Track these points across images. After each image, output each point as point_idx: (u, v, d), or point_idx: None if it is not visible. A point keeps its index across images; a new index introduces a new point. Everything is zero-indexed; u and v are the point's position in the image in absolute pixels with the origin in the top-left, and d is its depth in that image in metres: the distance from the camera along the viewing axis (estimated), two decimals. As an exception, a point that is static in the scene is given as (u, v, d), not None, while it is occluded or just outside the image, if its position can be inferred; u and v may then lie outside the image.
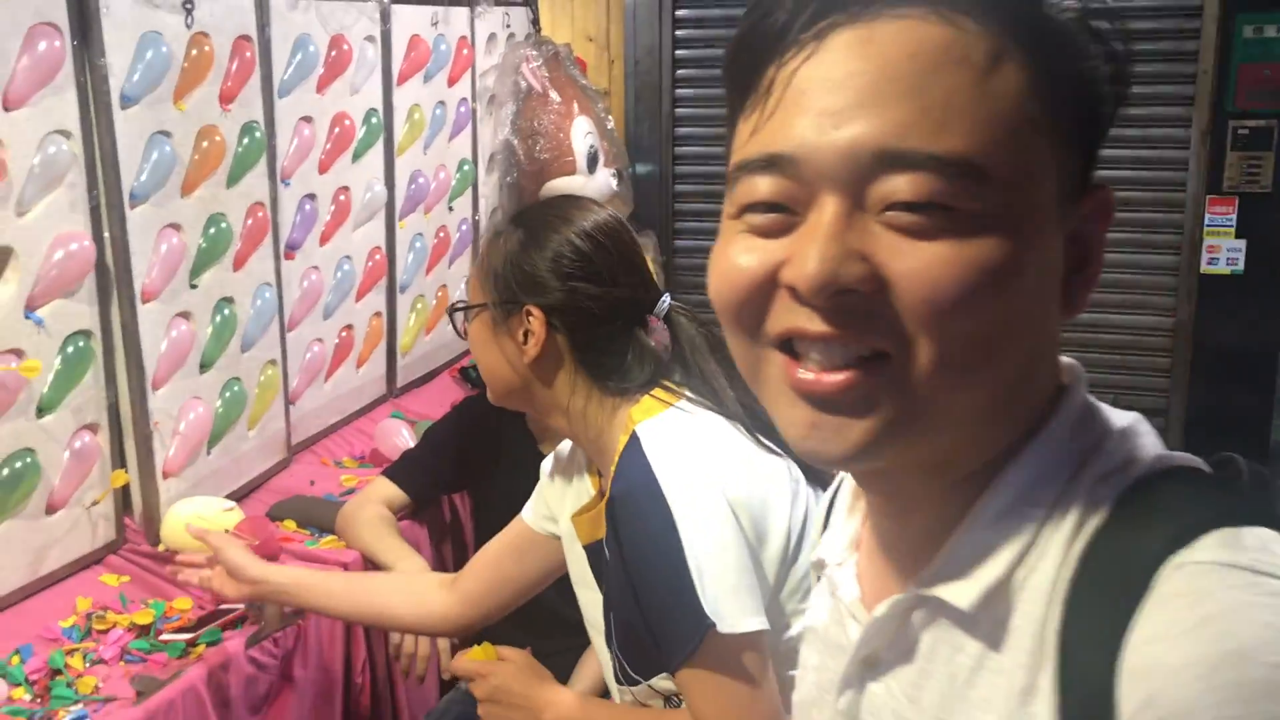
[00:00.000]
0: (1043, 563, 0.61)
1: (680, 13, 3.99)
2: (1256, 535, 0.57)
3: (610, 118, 3.64)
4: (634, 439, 1.36)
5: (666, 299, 1.46)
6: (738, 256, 0.63)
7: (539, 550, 1.62)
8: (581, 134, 3.38)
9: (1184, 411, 3.91)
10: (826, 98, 0.59)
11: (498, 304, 1.46)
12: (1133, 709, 0.54)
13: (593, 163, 3.42)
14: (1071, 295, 0.64)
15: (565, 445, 1.61)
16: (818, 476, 1.40)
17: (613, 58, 4.05)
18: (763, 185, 0.61)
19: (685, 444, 1.35)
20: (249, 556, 1.70)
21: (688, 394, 1.43)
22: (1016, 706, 0.60)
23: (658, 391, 1.42)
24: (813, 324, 0.60)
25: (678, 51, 4.01)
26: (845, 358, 0.60)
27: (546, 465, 1.64)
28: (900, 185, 0.58)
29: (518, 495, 1.96)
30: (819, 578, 0.80)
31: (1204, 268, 3.79)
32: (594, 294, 1.42)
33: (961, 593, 0.63)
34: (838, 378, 0.60)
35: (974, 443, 0.64)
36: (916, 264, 0.57)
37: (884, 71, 0.58)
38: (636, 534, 1.32)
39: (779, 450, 1.38)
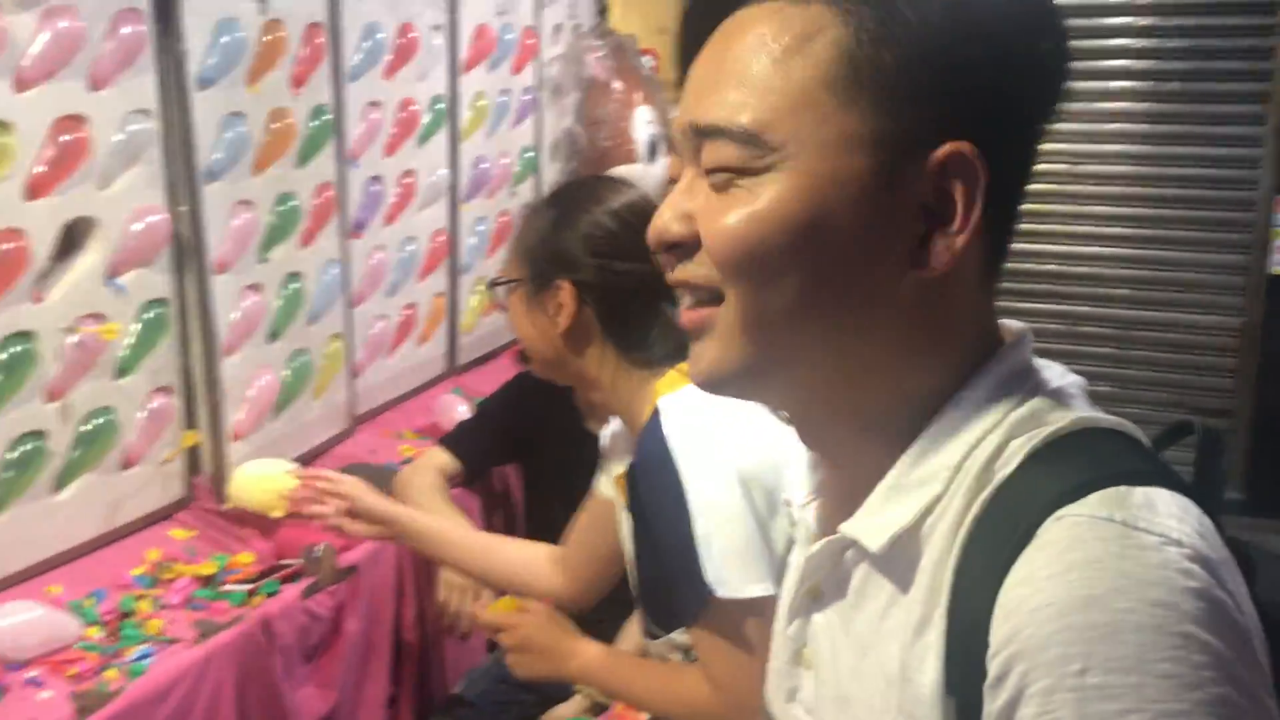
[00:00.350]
0: (950, 510, 0.67)
1: (749, 6, 4.03)
2: (1146, 494, 0.61)
3: (675, 107, 3.71)
4: (656, 412, 1.43)
5: None
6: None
7: (614, 517, 1.68)
8: (643, 123, 3.45)
9: (1250, 413, 3.86)
10: (689, 89, 0.72)
11: (531, 279, 1.54)
12: (998, 643, 0.60)
13: (653, 151, 3.49)
14: (930, 253, 0.67)
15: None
16: None
17: (683, 50, 4.10)
18: (672, 164, 0.73)
19: (702, 419, 1.41)
20: (377, 497, 1.82)
21: None
22: (913, 637, 0.67)
23: (683, 365, 1.49)
24: (668, 273, 0.74)
25: (745, 43, 4.05)
26: (693, 299, 0.72)
27: (605, 436, 1.71)
28: (708, 153, 0.69)
29: (565, 469, 2.04)
30: (791, 519, 0.87)
31: (1273, 268, 3.73)
32: (622, 270, 1.50)
33: (873, 537, 0.70)
34: (691, 314, 0.72)
35: (852, 389, 0.70)
36: (714, 218, 0.68)
37: (715, 61, 0.70)
38: (651, 503, 1.40)
39: None
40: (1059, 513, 0.61)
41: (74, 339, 1.91)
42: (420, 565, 2.17)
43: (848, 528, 0.72)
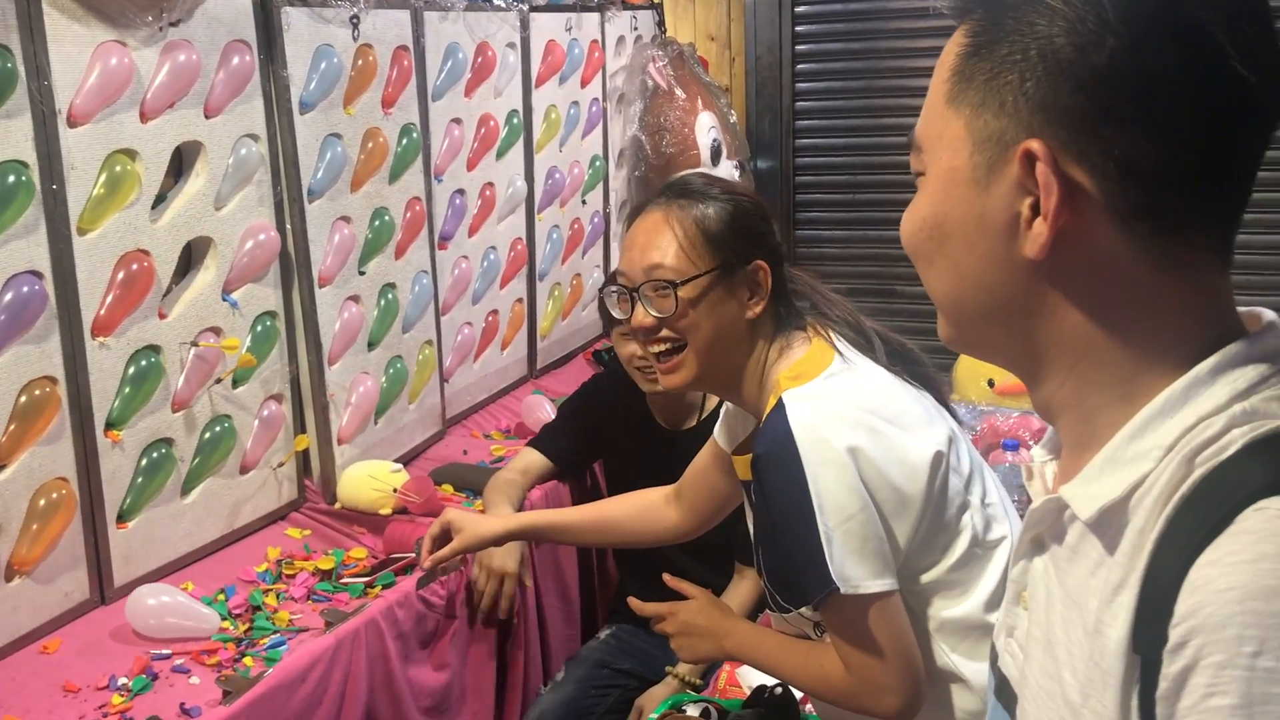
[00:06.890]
0: (1158, 485, 0.71)
1: (800, 9, 4.10)
2: None
3: (733, 112, 3.80)
4: (780, 405, 1.46)
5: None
6: None
7: (730, 463, 1.73)
8: (705, 129, 3.55)
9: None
10: None
11: (726, 265, 1.54)
12: (1181, 614, 0.65)
13: (716, 155, 3.59)
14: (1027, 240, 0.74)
15: None
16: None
17: (734, 55, 4.19)
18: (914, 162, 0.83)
19: (826, 417, 1.44)
20: (487, 521, 1.88)
21: (839, 344, 1.55)
22: (1110, 595, 0.72)
23: (804, 362, 1.53)
24: None
25: (797, 47, 4.10)
26: None
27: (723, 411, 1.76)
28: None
29: (642, 461, 2.14)
30: (1030, 474, 0.92)
31: None
32: (777, 242, 1.61)
33: (1084, 505, 0.75)
34: None
35: (1039, 367, 0.78)
36: None
37: None
38: (775, 494, 1.45)
39: (919, 385, 1.54)
40: (1261, 503, 0.64)
41: (194, 352, 2.04)
42: (524, 557, 2.26)
43: (1066, 491, 0.78)
